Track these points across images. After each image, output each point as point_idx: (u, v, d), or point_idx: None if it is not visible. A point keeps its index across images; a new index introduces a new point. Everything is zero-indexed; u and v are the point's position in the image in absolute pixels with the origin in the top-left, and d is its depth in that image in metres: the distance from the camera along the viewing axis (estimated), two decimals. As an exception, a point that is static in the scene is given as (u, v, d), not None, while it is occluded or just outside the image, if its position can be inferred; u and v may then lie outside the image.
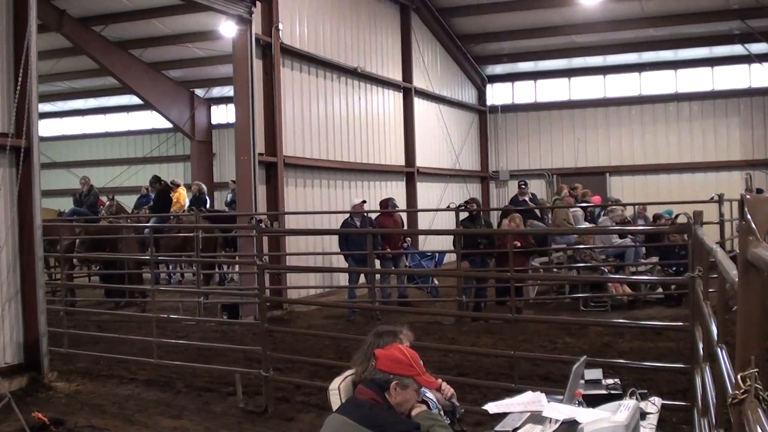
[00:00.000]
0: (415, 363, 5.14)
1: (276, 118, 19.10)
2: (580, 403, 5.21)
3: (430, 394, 5.51)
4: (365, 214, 18.11)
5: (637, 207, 21.76)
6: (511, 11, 28.65)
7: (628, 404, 4.84)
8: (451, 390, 5.74)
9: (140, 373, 12.19)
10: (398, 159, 26.32)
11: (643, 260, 18.29)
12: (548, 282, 19.19)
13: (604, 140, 32.50)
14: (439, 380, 5.63)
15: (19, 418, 9.27)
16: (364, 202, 18.69)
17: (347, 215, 18.35)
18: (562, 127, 33.09)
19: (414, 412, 5.13)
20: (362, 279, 18.44)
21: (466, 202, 19.30)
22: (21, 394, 10.75)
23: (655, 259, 18.00)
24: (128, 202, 26.59)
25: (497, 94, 34.64)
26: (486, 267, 17.19)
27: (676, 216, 18.56)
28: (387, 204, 19.56)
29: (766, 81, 30.01)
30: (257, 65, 18.48)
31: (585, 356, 5.78)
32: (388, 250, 17.85)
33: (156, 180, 23.02)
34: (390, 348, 5.38)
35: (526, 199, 22.02)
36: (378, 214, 19.24)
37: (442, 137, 29.96)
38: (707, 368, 5.48)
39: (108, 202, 21.35)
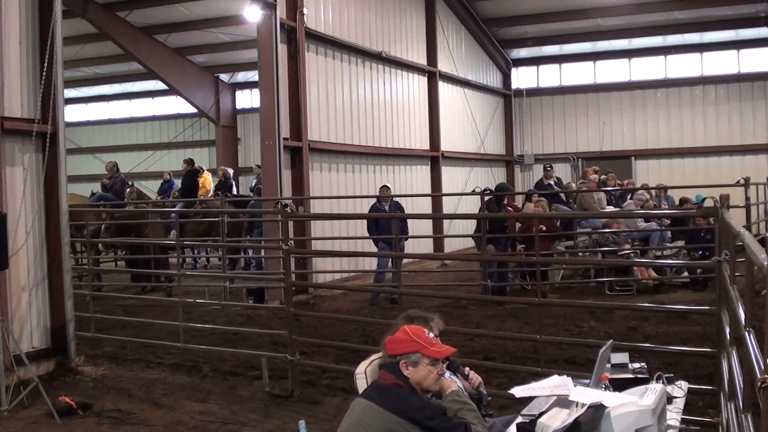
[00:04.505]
0: (418, 338, 5.08)
1: (301, 102, 19.08)
2: (606, 387, 5.20)
3: (458, 382, 5.48)
4: (392, 198, 18.14)
5: (655, 190, 21.47)
6: (536, -6, 28.56)
7: (655, 388, 4.83)
8: (479, 378, 5.73)
9: (166, 357, 12.26)
10: (423, 143, 26.26)
11: (668, 244, 18.21)
12: (573, 266, 19.12)
13: (629, 124, 32.25)
14: (461, 358, 5.61)
15: (47, 402, 9.37)
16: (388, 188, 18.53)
17: (374, 199, 18.35)
18: (587, 111, 32.89)
19: (444, 393, 5.10)
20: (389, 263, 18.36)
21: (497, 188, 19.00)
22: (48, 378, 10.87)
23: (680, 243, 17.91)
24: (153, 187, 26.70)
25: (522, 78, 34.47)
26: (509, 251, 17.15)
27: (703, 200, 18.42)
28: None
29: (794, 64, 29.66)
30: (282, 50, 18.44)
31: (611, 340, 5.76)
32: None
33: (189, 163, 23.04)
34: (396, 332, 5.33)
35: (552, 182, 21.94)
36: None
37: (466, 121, 29.85)
38: (734, 352, 5.46)
39: (128, 189, 21.42)
